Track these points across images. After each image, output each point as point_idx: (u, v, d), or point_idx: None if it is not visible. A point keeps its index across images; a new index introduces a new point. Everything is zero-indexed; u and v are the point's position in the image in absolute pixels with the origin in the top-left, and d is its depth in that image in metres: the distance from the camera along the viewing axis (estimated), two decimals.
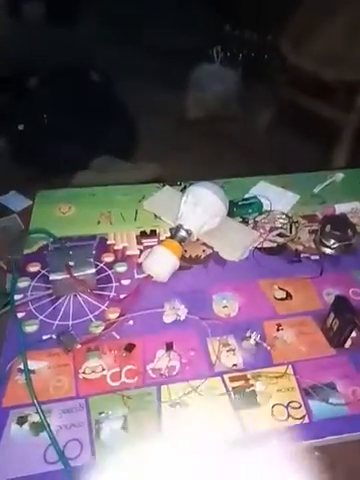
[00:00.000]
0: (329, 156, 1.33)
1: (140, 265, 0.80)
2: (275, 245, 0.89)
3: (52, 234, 0.86)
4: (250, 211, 0.96)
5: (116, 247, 0.87)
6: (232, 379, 0.64)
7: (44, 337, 0.68)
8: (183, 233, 0.82)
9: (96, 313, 0.73)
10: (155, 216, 0.95)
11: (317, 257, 0.86)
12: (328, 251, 0.87)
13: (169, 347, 0.68)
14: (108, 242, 0.88)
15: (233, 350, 0.68)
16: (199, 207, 0.84)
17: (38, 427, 0.57)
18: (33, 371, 0.64)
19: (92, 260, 0.76)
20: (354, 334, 0.67)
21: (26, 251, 0.85)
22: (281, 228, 0.93)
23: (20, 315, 0.72)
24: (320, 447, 0.59)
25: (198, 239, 0.88)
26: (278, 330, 0.72)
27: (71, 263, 0.74)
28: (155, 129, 1.11)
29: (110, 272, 0.81)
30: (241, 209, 0.95)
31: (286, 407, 0.61)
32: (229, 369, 0.65)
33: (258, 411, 0.61)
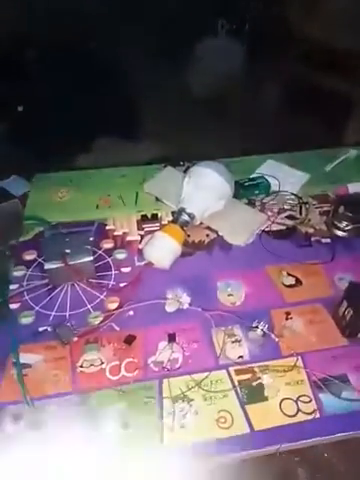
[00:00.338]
0: (341, 132, 1.24)
1: (141, 252, 0.76)
2: (284, 228, 0.84)
3: (45, 220, 0.82)
4: (257, 192, 0.90)
5: (116, 233, 0.83)
6: (238, 372, 0.60)
7: (40, 329, 0.65)
8: (185, 217, 0.77)
9: (95, 303, 0.69)
10: (156, 199, 0.90)
11: (329, 240, 0.81)
12: (340, 234, 0.82)
13: (171, 339, 0.64)
14: (107, 227, 0.84)
15: (239, 341, 0.64)
16: (202, 189, 0.79)
17: (34, 424, 0.54)
18: (29, 365, 0.61)
19: (90, 247, 0.72)
20: None
21: (22, 238, 0.81)
22: (290, 210, 0.88)
23: (15, 306, 0.69)
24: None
25: (202, 223, 0.83)
26: (287, 319, 0.68)
27: (67, 251, 0.70)
28: (158, 107, 1.05)
29: (109, 259, 0.77)
30: (247, 190, 0.90)
31: (295, 401, 0.58)
32: (235, 361, 0.62)
33: (266, 406, 0.57)
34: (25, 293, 0.71)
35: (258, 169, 0.97)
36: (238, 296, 0.71)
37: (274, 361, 0.62)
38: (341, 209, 0.82)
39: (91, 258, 0.71)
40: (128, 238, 0.82)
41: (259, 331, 0.63)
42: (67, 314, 0.68)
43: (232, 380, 0.60)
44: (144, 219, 0.86)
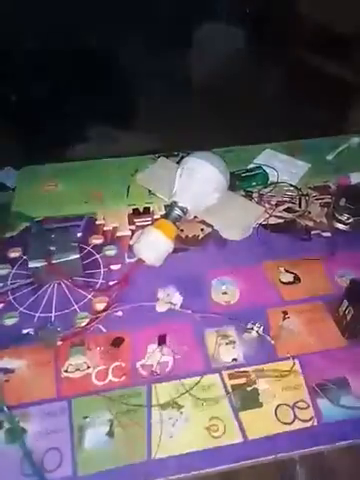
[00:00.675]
0: (344, 119, 1.19)
1: (131, 248, 0.72)
2: (282, 221, 0.80)
3: (26, 215, 0.78)
4: (254, 183, 0.86)
5: (105, 228, 0.79)
6: (231, 376, 0.57)
7: (24, 331, 0.62)
8: (177, 212, 0.73)
9: (82, 303, 0.66)
10: (149, 192, 0.86)
11: (329, 234, 0.77)
12: (342, 227, 0.78)
13: (161, 341, 0.61)
14: (97, 222, 0.80)
15: (233, 343, 0.61)
16: (195, 181, 0.75)
17: (14, 434, 0.51)
18: (12, 370, 0.58)
19: (76, 244, 0.68)
20: None
21: (7, 234, 0.77)
22: (289, 202, 0.83)
23: None
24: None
25: (196, 217, 0.79)
26: (284, 319, 0.64)
27: (52, 248, 0.67)
28: (151, 96, 1.00)
29: (98, 256, 0.73)
30: (244, 181, 0.85)
31: (292, 408, 0.54)
32: (228, 365, 0.58)
33: (260, 412, 0.54)
34: (9, 293, 0.67)
35: (255, 159, 0.92)
36: (233, 294, 0.68)
37: (270, 364, 0.58)
38: (342, 201, 0.78)
39: (77, 256, 0.67)
40: (118, 233, 0.78)
41: (254, 332, 0.60)
42: (53, 315, 0.64)
43: (225, 385, 0.56)
44: (136, 213, 0.82)
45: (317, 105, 1.06)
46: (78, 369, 0.58)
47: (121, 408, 0.54)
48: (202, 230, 0.78)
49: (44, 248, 0.66)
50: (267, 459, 0.50)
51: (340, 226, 0.78)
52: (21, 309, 0.65)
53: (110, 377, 0.57)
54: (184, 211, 0.74)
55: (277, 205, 0.83)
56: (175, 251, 0.72)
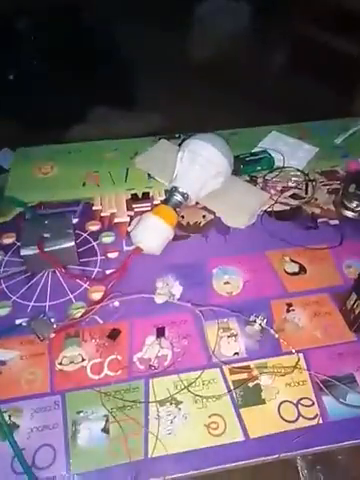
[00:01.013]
0: (353, 100, 1.14)
1: (130, 235, 0.69)
2: (288, 208, 0.76)
3: (20, 200, 0.74)
4: (259, 168, 0.82)
5: (103, 213, 0.76)
6: (233, 371, 0.55)
7: (17, 321, 0.60)
8: (178, 197, 0.70)
9: (77, 292, 0.63)
10: (149, 176, 0.83)
11: (337, 222, 0.74)
12: (350, 215, 0.74)
13: (160, 333, 0.58)
14: (94, 208, 0.77)
15: (235, 336, 0.58)
16: (197, 165, 0.71)
17: (3, 430, 0.49)
18: (3, 362, 0.55)
19: (72, 231, 0.65)
20: None
21: (0, 220, 0.74)
22: (295, 188, 0.79)
23: None
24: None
25: (197, 203, 0.75)
26: (288, 311, 0.61)
27: (46, 235, 0.63)
28: (152, 74, 0.95)
29: (95, 244, 0.70)
30: (249, 166, 0.81)
31: (296, 405, 0.52)
32: (229, 359, 0.56)
33: (263, 410, 0.52)
34: (1, 281, 0.64)
35: (261, 142, 0.88)
36: (236, 285, 0.65)
37: (273, 359, 0.56)
38: (352, 187, 0.74)
39: (72, 243, 0.64)
40: (116, 220, 0.74)
41: (257, 325, 0.57)
42: (47, 304, 0.62)
43: (226, 380, 0.54)
44: (134, 198, 0.79)
45: (325, 85, 1.01)
46: (73, 362, 0.55)
47: (117, 403, 0.51)
48: (204, 217, 0.75)
49: (37, 235, 0.63)
50: (269, 459, 0.48)
51: (349, 214, 0.74)
52: (14, 298, 0.62)
53: (106, 371, 0.55)
54: (185, 196, 0.70)
55: (282, 191, 0.79)
56: (175, 239, 0.69)
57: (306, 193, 0.78)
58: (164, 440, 0.49)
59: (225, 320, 0.60)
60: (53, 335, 0.56)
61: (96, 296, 0.62)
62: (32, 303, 0.62)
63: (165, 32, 0.93)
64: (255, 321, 0.57)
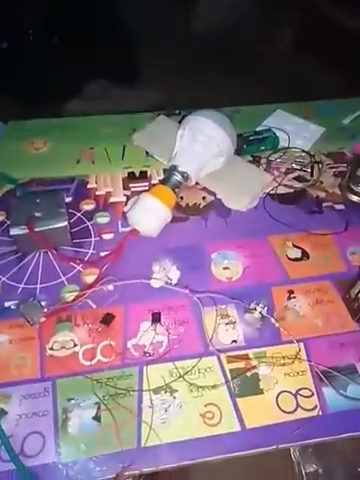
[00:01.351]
0: None
1: (126, 215, 0.66)
2: (291, 191, 0.73)
3: (11, 177, 0.71)
4: (263, 148, 0.78)
5: (98, 192, 0.72)
6: (230, 360, 0.53)
7: (6, 304, 0.57)
8: (177, 177, 0.66)
9: (70, 275, 0.61)
10: (147, 154, 0.79)
11: (342, 207, 0.71)
12: (356, 199, 0.71)
13: (156, 319, 0.56)
14: (88, 186, 0.73)
15: (233, 323, 0.56)
16: (198, 143, 0.67)
17: None
18: None
19: (64, 210, 0.62)
20: None
21: None
22: (300, 170, 0.76)
23: None
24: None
25: (197, 183, 0.72)
26: (289, 298, 0.59)
27: (38, 214, 0.60)
28: (153, 47, 0.90)
29: (89, 224, 0.67)
30: (252, 145, 0.77)
31: (295, 395, 0.50)
32: (227, 347, 0.54)
33: (260, 400, 0.50)
34: None
35: (265, 121, 0.84)
36: (235, 270, 0.62)
37: (273, 347, 0.54)
38: (359, 171, 0.71)
39: (65, 223, 0.61)
40: (112, 199, 0.71)
41: (257, 313, 0.55)
42: (38, 287, 0.59)
43: (223, 369, 0.52)
44: (131, 177, 0.75)
45: (333, 62, 0.96)
46: (64, 347, 0.53)
47: (109, 391, 0.50)
48: (204, 198, 0.72)
49: (28, 214, 0.59)
50: (266, 450, 0.47)
51: (355, 198, 0.71)
52: (4, 279, 0.60)
53: (99, 357, 0.52)
54: (185, 176, 0.67)
55: (287, 173, 0.75)
56: (173, 221, 0.66)
57: (311, 175, 0.75)
58: (158, 429, 0.47)
59: (224, 307, 0.58)
60: (43, 319, 0.54)
61: (90, 279, 0.60)
62: (22, 285, 0.59)
63: (166, 3, 0.88)
64: (255, 309, 0.55)
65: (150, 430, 0.47)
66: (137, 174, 0.75)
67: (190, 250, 0.64)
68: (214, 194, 0.72)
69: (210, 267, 0.62)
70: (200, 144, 0.67)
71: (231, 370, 0.52)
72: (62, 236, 0.61)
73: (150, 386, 0.50)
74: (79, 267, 0.61)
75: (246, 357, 0.53)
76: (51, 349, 0.53)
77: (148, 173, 0.75)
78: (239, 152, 0.75)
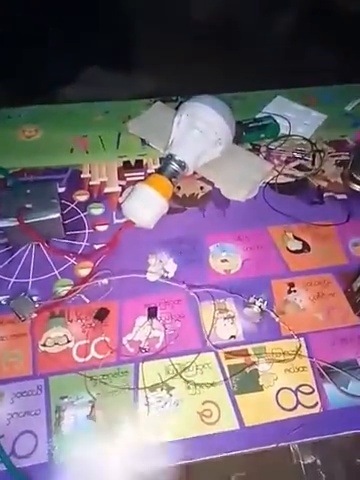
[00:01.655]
0: None
1: (121, 206, 0.64)
2: (292, 181, 0.71)
3: (0, 167, 0.68)
4: (263, 135, 0.76)
5: (92, 182, 0.70)
6: (229, 355, 0.51)
7: None
8: (174, 166, 0.64)
9: (63, 268, 0.59)
10: (143, 142, 0.76)
11: (345, 197, 0.69)
12: (359, 189, 0.69)
13: (152, 313, 0.54)
14: (82, 176, 0.71)
15: (232, 318, 0.55)
16: (196, 130, 0.65)
17: None
18: None
19: (57, 201, 0.60)
20: None
21: None
22: (301, 158, 0.74)
23: None
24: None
25: (195, 173, 0.70)
26: (290, 292, 0.57)
27: (28, 205, 0.58)
28: (150, 31, 0.87)
29: (83, 215, 0.65)
30: (251, 133, 0.75)
31: (295, 392, 0.49)
32: (226, 343, 0.52)
33: (260, 397, 0.49)
34: None
35: (265, 108, 0.81)
36: (234, 262, 0.60)
37: (272, 342, 0.52)
38: None
39: (58, 215, 0.58)
40: (106, 189, 0.69)
41: (256, 308, 0.53)
42: (30, 281, 0.57)
43: (221, 365, 0.50)
44: (127, 166, 0.73)
45: (335, 47, 0.93)
46: (57, 343, 0.52)
47: (104, 388, 0.48)
48: (201, 188, 0.69)
49: (18, 205, 0.57)
50: (265, 449, 0.45)
51: (357, 188, 0.69)
52: None
53: (93, 353, 0.51)
54: (182, 165, 0.64)
55: (287, 162, 0.73)
56: (170, 212, 0.64)
57: (312, 164, 0.73)
58: (154, 428, 0.46)
59: (222, 301, 0.56)
60: (34, 315, 0.52)
61: (83, 272, 0.58)
62: (13, 279, 0.57)
63: None
64: (254, 303, 0.53)
65: (147, 428, 0.46)
66: (133, 163, 0.73)
67: (187, 242, 0.62)
68: (212, 184, 0.70)
69: (208, 260, 0.60)
70: (198, 131, 0.64)
71: (229, 366, 0.50)
72: (54, 228, 0.59)
73: (146, 383, 0.49)
74: (72, 260, 0.59)
75: (245, 353, 0.52)
76: (44, 345, 0.51)
77: (144, 162, 0.73)
78: (238, 140, 0.73)
